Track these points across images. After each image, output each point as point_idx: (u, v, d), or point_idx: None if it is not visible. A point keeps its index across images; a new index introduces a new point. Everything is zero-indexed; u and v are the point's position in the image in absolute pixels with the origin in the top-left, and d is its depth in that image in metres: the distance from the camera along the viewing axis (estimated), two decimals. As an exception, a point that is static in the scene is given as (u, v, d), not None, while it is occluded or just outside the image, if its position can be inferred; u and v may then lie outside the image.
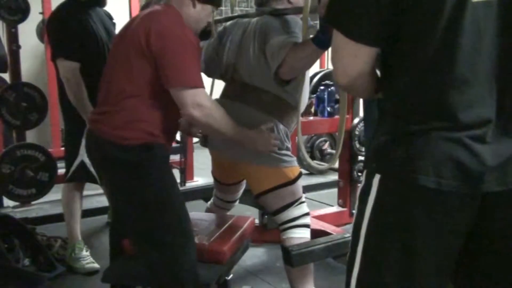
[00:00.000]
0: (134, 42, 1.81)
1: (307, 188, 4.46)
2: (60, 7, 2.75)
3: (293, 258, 2.05)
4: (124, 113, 1.82)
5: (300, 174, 2.17)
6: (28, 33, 4.65)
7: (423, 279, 1.09)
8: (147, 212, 1.83)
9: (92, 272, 2.79)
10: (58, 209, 3.47)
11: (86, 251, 2.89)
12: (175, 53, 1.78)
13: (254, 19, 2.16)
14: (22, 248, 2.73)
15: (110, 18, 2.97)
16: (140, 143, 1.81)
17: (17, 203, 3.84)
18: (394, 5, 1.03)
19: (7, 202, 3.87)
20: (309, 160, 2.25)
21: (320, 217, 3.12)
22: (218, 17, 2.56)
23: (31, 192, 3.74)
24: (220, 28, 2.37)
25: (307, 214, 2.18)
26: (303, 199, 2.18)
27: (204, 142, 2.30)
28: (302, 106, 2.17)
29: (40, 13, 4.26)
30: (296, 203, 2.14)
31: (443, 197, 1.04)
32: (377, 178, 1.10)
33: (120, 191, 1.88)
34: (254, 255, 3.04)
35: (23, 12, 3.91)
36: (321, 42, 1.77)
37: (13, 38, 3.97)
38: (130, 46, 1.82)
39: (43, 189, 3.75)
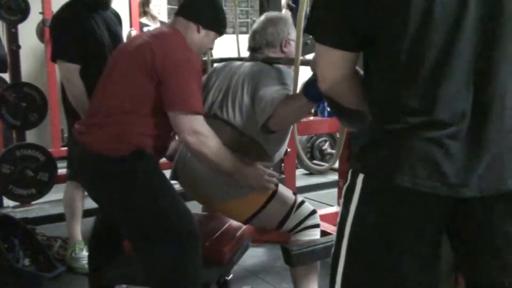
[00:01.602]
0: (139, 60, 1.82)
1: (307, 188, 4.47)
2: (64, 8, 2.74)
3: (293, 258, 2.05)
4: (116, 127, 1.82)
5: (277, 184, 2.08)
6: (28, 33, 4.64)
7: (407, 275, 1.10)
8: (146, 217, 1.83)
9: (92, 272, 2.78)
10: (58, 209, 3.48)
11: (86, 251, 2.89)
12: (179, 78, 1.80)
13: (247, 64, 2.16)
14: (22, 248, 2.73)
15: (118, 18, 2.96)
16: (129, 152, 1.81)
17: (17, 203, 3.83)
18: (362, 9, 1.04)
19: (7, 202, 3.87)
20: (307, 162, 2.23)
21: (320, 217, 3.11)
22: (213, 58, 2.59)
23: (31, 192, 3.73)
24: (211, 68, 2.37)
25: (312, 213, 2.12)
26: (300, 200, 2.12)
27: (174, 176, 2.20)
28: (277, 158, 2.18)
29: (40, 13, 4.26)
30: (294, 209, 2.08)
31: (420, 197, 1.04)
32: (360, 177, 1.11)
33: (114, 201, 1.88)
34: (254, 255, 3.03)
35: (23, 12, 3.91)
36: (313, 95, 1.78)
37: (13, 38, 3.97)
38: (134, 64, 1.83)
39: (43, 189, 3.75)
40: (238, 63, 2.22)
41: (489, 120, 1.02)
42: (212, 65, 2.40)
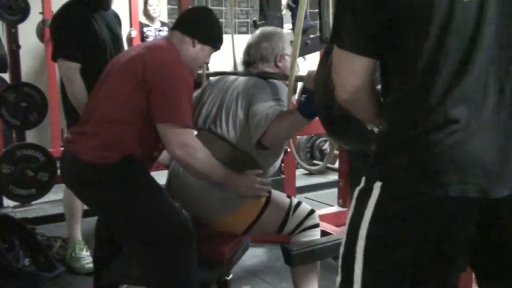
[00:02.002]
0: (131, 71, 1.83)
1: (307, 188, 4.47)
2: (64, 7, 2.75)
3: (293, 258, 2.05)
4: (105, 135, 1.83)
5: (269, 191, 2.07)
6: (28, 33, 4.64)
7: (429, 276, 1.10)
8: (137, 222, 1.83)
9: (92, 272, 2.77)
10: (58, 209, 3.48)
11: (86, 251, 2.89)
12: (169, 90, 1.80)
13: (241, 78, 2.16)
14: (22, 248, 2.73)
15: (118, 19, 2.97)
16: (117, 159, 1.81)
17: (17, 203, 3.83)
18: (383, 15, 1.05)
19: (7, 202, 3.86)
20: (301, 162, 2.22)
21: (320, 217, 3.09)
22: (208, 71, 2.60)
23: (31, 192, 3.73)
24: (206, 82, 2.37)
25: (311, 213, 2.12)
26: (296, 201, 2.12)
27: (168, 190, 2.17)
28: (271, 172, 2.17)
29: (40, 13, 4.26)
30: (291, 211, 2.08)
31: (449, 203, 1.03)
32: (379, 183, 1.10)
33: (105, 208, 1.89)
34: (254, 255, 3.03)
35: (23, 12, 3.91)
36: (307, 111, 1.78)
37: (13, 38, 3.97)
38: (126, 75, 1.85)
39: (43, 189, 3.75)
40: (233, 77, 2.22)
41: (509, 118, 1.03)
42: (207, 79, 2.40)
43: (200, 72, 2.50)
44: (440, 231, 1.06)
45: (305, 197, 4.15)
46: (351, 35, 1.10)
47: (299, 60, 4.20)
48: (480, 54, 1.02)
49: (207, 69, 2.70)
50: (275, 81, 2.11)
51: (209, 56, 2.06)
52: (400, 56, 1.08)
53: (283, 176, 3.15)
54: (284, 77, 2.11)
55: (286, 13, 4.29)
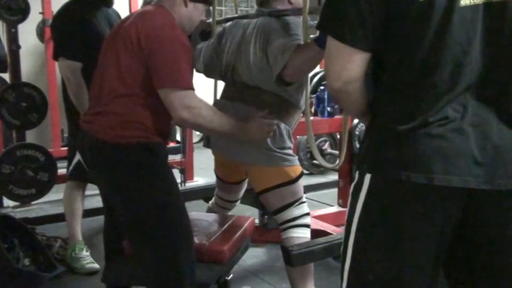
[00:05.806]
0: (126, 42, 1.81)
1: (307, 188, 4.43)
2: (65, 7, 2.75)
3: (293, 258, 2.05)
4: (118, 113, 1.81)
5: (301, 174, 2.17)
6: (28, 33, 4.65)
7: (412, 270, 1.12)
8: (151, 212, 1.82)
9: (92, 272, 2.79)
10: (58, 209, 3.48)
11: (87, 251, 2.89)
12: (165, 55, 1.78)
13: (254, 20, 2.16)
14: (22, 248, 2.73)
15: (119, 17, 2.97)
16: (139, 141, 1.81)
17: (17, 203, 3.83)
18: (385, 12, 1.06)
19: (7, 202, 3.87)
20: (321, 160, 2.22)
21: (320, 217, 3.11)
22: (218, 18, 2.58)
23: (31, 192, 3.74)
24: (219, 29, 2.38)
25: (307, 214, 2.18)
26: (304, 199, 2.18)
27: (207, 143, 2.30)
28: (303, 106, 2.18)
29: (40, 13, 4.26)
30: (297, 203, 2.14)
31: (434, 192, 1.06)
32: (368, 176, 1.13)
33: (121, 191, 1.87)
34: (254, 255, 3.04)
35: (23, 12, 3.92)
36: (324, 42, 1.77)
37: (13, 38, 3.97)
38: (122, 46, 1.83)
39: (43, 189, 3.75)
40: (245, 21, 2.23)
41: (490, 116, 1.06)
42: (216, 27, 2.41)
43: (209, 21, 2.47)
44: (424, 219, 1.09)
45: (305, 197, 4.14)
46: (353, 30, 1.09)
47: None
48: (472, 60, 1.05)
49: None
50: (288, 17, 2.10)
51: (203, 13, 2.02)
52: (398, 53, 1.10)
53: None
54: (298, 11, 2.09)
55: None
